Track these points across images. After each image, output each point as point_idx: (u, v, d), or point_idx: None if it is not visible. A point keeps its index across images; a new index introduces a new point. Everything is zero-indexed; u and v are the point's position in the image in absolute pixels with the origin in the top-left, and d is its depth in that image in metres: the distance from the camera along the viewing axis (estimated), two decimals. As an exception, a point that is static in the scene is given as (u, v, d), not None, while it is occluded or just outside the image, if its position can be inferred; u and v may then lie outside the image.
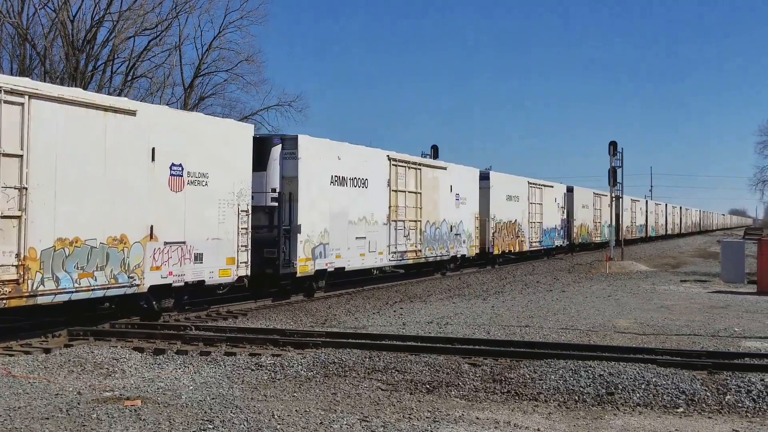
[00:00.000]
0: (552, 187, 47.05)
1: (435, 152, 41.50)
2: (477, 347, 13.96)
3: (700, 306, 21.79)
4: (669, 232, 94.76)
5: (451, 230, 32.12)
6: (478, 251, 35.52)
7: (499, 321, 18.38)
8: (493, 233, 37.16)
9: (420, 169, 29.55)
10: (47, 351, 13.82)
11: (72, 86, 36.34)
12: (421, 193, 29.27)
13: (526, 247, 42.20)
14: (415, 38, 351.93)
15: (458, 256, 33.30)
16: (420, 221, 29.18)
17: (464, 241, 33.53)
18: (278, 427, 9.30)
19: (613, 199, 47.08)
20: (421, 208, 29.21)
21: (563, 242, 49.76)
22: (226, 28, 47.91)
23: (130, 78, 43.77)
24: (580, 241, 53.22)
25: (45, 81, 37.38)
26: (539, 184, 44.43)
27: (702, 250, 60.78)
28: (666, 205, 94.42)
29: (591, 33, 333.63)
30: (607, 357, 12.84)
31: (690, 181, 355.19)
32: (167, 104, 42.53)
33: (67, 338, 15.33)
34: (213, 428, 9.21)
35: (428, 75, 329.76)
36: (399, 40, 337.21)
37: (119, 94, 40.80)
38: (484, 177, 36.84)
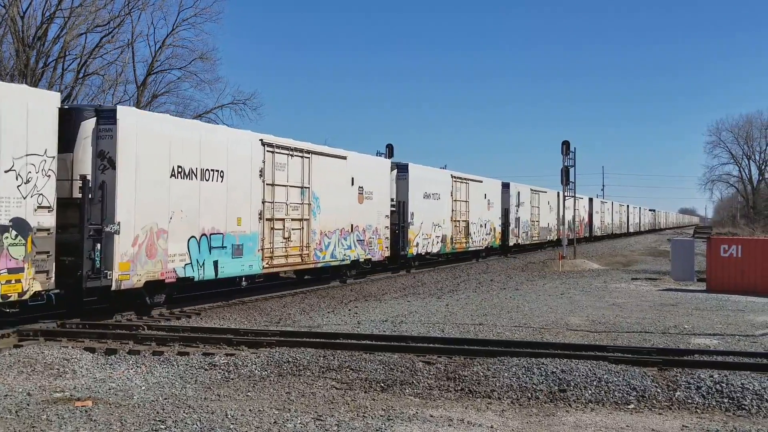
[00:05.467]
0: (344, 158, 26.88)
1: (390, 151, 41.53)
2: (431, 345, 14.03)
3: (650, 304, 22.12)
4: (597, 233, 76.32)
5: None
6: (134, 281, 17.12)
7: (454, 319, 18.47)
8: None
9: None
10: (-4, 352, 13.58)
11: (22, 83, 35.80)
12: None
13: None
14: (371, 35, 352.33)
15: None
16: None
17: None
18: (231, 426, 9.25)
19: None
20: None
21: (381, 254, 30.00)
22: (180, 25, 47.58)
23: (81, 75, 43.19)
24: (425, 249, 34.77)
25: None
26: (317, 152, 24.89)
27: (652, 249, 61.63)
28: (591, 199, 75.16)
29: (545, 33, 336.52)
30: (560, 354, 12.99)
31: (641, 180, 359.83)
32: (119, 102, 42.11)
33: (16, 338, 15.09)
34: (165, 428, 9.14)
35: (385, 73, 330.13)
36: (355, 38, 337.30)
37: (70, 92, 40.31)
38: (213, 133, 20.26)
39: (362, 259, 28.44)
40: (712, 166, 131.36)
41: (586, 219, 70.08)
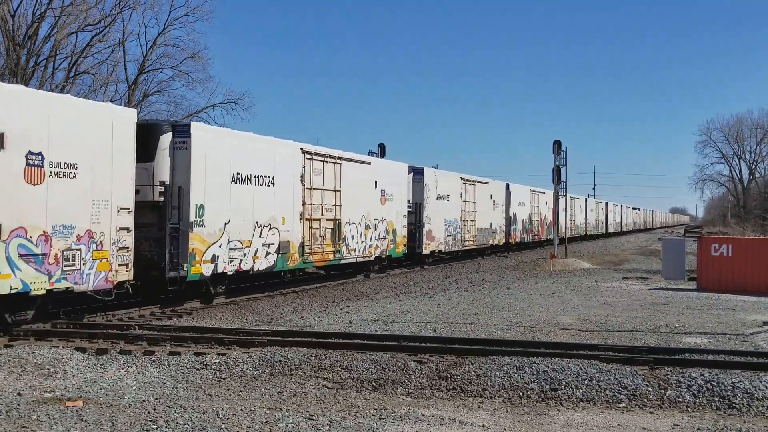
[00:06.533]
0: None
1: (382, 150, 41.52)
2: (423, 345, 14.03)
3: (641, 303, 22.17)
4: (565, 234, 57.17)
5: None
6: None
7: (445, 318, 18.47)
8: None
9: None
10: (-14, 352, 13.51)
11: (13, 82, 35.69)
12: None
13: None
14: (363, 35, 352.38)
15: None
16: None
17: None
18: (223, 426, 9.24)
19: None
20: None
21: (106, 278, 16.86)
22: (171, 24, 47.63)
23: (72, 74, 43.12)
24: (237, 266, 21.22)
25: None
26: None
27: (643, 248, 61.77)
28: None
29: (534, 32, 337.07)
30: (551, 353, 13.01)
31: (633, 180, 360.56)
32: (110, 101, 41.98)
33: (7, 338, 15.02)
34: (156, 428, 9.12)
35: (377, 73, 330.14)
36: (347, 37, 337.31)
37: (61, 91, 40.15)
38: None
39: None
40: (702, 165, 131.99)
41: (550, 218, 58.50)
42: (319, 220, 25.65)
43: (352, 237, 27.98)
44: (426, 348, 13.70)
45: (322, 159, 25.93)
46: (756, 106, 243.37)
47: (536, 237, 55.61)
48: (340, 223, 26.91)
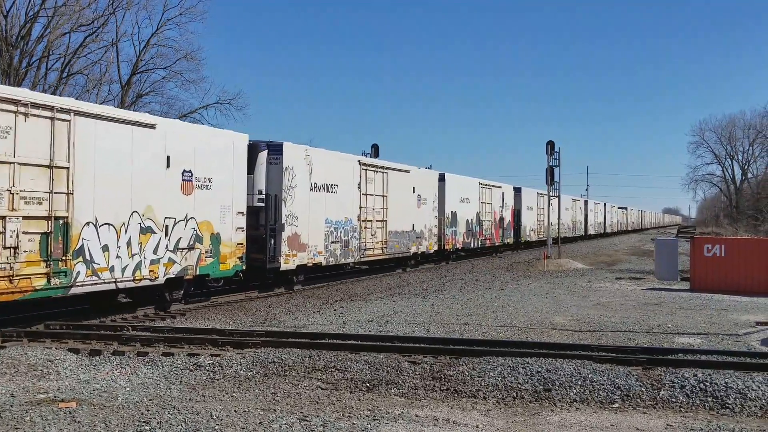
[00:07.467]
0: None
1: (375, 151, 41.52)
2: (417, 345, 14.03)
3: (634, 303, 22.21)
4: (531, 237, 55.05)
5: None
6: None
7: (439, 319, 18.48)
8: None
9: None
10: (-22, 353, 13.45)
11: (5, 83, 35.61)
12: None
13: None
14: (358, 35, 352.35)
15: None
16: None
17: None
18: (217, 427, 9.23)
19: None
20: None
21: None
22: (165, 24, 47.58)
23: (65, 75, 43.04)
24: None
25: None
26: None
27: (636, 249, 61.86)
28: (518, 189, 52.77)
29: (528, 32, 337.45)
30: (545, 354, 13.03)
31: (626, 180, 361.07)
32: (104, 102, 41.90)
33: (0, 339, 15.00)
34: (150, 430, 9.10)
35: (372, 73, 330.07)
36: (341, 37, 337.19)
37: (54, 92, 40.11)
38: None
39: None
40: (695, 166, 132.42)
41: (509, 218, 50.51)
42: (4, 218, 14.59)
43: (104, 248, 16.93)
44: (420, 349, 13.71)
45: (13, 110, 14.81)
46: (749, 106, 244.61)
47: (487, 241, 45.50)
48: (67, 225, 15.98)
